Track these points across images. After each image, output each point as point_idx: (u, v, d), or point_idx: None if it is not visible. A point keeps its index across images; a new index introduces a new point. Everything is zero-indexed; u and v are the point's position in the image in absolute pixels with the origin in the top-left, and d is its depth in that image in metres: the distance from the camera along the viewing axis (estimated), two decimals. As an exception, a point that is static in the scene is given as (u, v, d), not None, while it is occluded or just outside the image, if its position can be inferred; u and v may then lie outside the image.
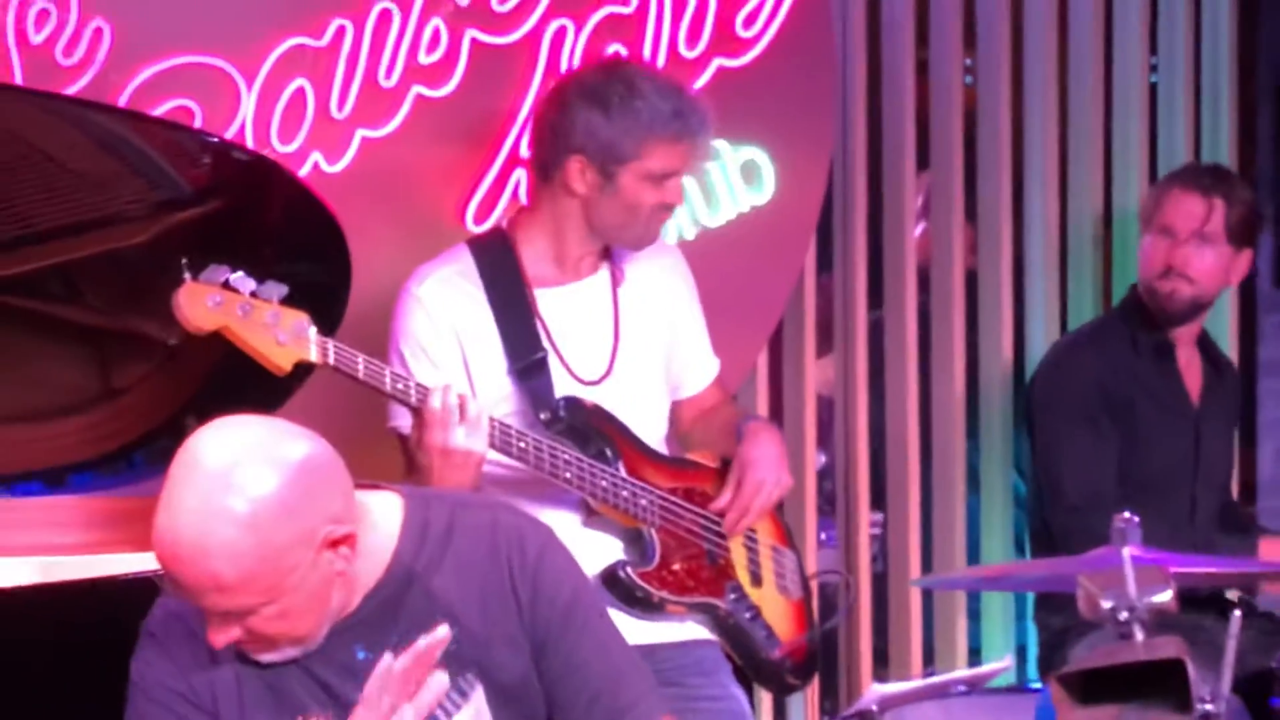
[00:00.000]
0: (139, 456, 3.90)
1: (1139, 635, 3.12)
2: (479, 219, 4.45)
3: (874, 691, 3.29)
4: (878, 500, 5.22)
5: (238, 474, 2.73)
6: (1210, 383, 4.93)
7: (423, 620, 2.82)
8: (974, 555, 5.29)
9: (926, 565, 5.22)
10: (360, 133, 4.31)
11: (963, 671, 3.70)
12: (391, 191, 4.36)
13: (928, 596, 5.20)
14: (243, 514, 2.72)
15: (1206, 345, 4.97)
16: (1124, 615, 3.14)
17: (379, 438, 3.86)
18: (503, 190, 4.48)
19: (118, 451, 3.89)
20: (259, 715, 2.87)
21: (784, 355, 5.05)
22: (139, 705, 2.93)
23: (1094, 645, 4.06)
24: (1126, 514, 3.24)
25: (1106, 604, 3.14)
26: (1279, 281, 5.66)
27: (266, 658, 2.86)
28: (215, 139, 3.91)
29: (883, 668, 5.17)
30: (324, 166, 4.27)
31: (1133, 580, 3.14)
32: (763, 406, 4.96)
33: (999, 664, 3.51)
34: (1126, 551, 3.17)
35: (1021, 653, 5.21)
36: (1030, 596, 5.01)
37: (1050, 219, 5.36)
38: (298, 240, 3.73)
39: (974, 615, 5.29)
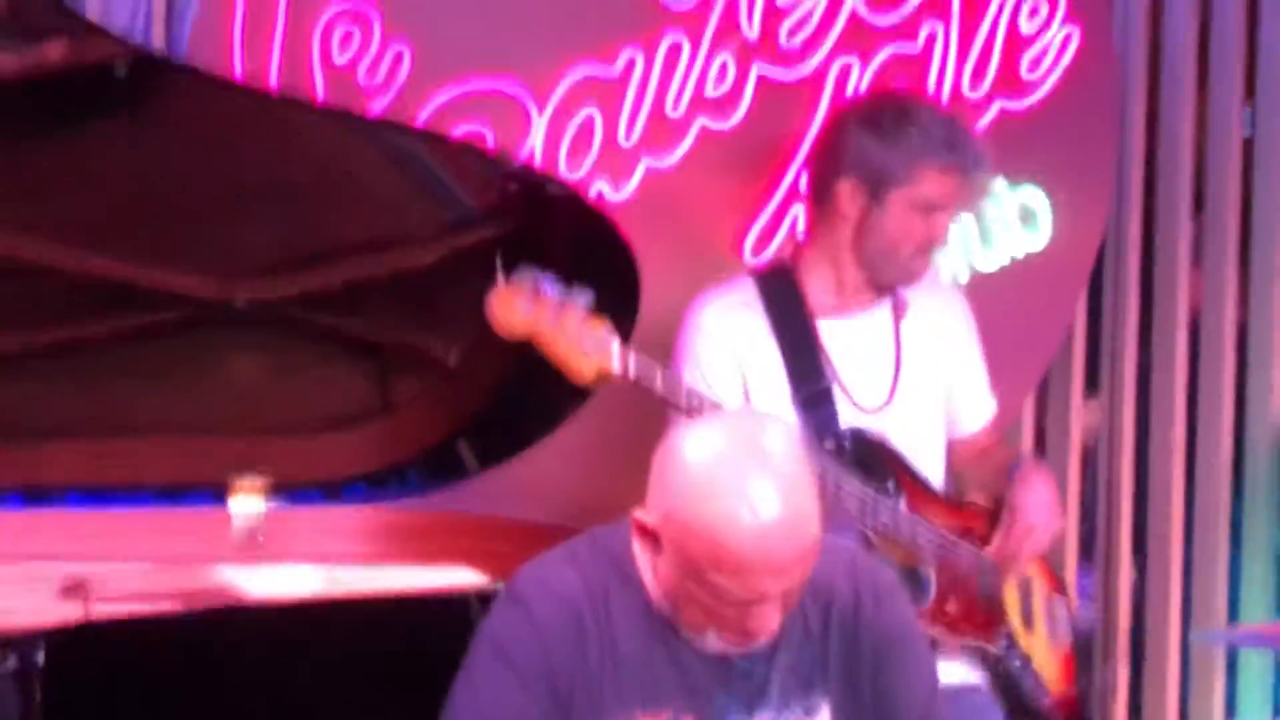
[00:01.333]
0: (411, 472, 3.96)
1: None
2: (757, 251, 4.47)
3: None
4: (1136, 549, 5.15)
5: (767, 438, 2.77)
6: None
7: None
8: (1233, 610, 5.20)
9: (1185, 618, 5.13)
10: (645, 162, 4.35)
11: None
12: (673, 221, 4.39)
13: (1185, 648, 5.12)
14: (798, 464, 2.76)
15: None
16: None
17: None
18: (780, 224, 4.50)
19: (392, 466, 3.95)
20: (615, 712, 2.81)
21: (1049, 400, 5.00)
22: (494, 672, 2.76)
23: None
24: None
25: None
26: None
27: (744, 648, 2.82)
28: (510, 163, 3.96)
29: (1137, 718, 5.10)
30: (609, 194, 4.32)
31: None
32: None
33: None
34: None
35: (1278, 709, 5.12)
36: (1289, 652, 4.92)
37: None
38: (585, 266, 3.76)
39: (1229, 668, 5.20)
